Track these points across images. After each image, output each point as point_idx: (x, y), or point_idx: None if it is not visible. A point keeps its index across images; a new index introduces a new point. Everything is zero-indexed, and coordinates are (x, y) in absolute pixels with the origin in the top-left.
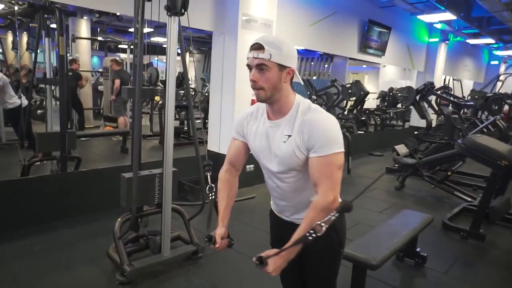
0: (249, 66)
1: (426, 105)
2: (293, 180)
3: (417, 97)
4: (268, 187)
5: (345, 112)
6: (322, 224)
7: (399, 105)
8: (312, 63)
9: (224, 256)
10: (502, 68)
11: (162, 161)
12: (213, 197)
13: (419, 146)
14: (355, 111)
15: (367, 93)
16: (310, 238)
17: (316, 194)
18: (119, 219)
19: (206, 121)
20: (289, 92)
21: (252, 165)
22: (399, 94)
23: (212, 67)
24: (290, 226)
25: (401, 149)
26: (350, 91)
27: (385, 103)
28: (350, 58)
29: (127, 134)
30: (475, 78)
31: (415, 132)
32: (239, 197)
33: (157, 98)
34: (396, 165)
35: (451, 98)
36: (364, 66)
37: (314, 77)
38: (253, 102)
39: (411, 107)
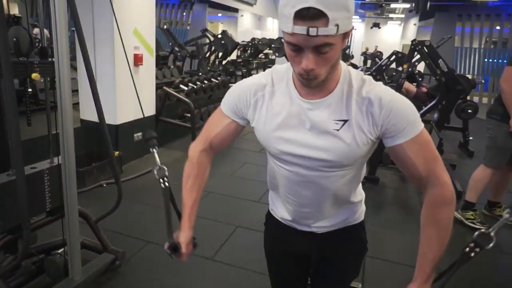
0: (296, 46)
1: None
2: (338, 180)
3: None
4: (279, 190)
5: (214, 64)
6: (492, 232)
7: (262, 56)
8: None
9: (145, 255)
10: None
11: (49, 150)
12: (167, 184)
13: None
14: (223, 63)
15: (237, 44)
16: (473, 254)
17: (426, 188)
18: None
19: None
20: (339, 60)
21: (139, 133)
22: (272, 46)
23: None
24: (309, 236)
25: None
26: (223, 42)
27: (246, 54)
28: (210, 6)
29: None
30: None
31: None
32: (133, 173)
33: (35, 76)
34: None
35: None
36: (220, 14)
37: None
38: (136, 59)
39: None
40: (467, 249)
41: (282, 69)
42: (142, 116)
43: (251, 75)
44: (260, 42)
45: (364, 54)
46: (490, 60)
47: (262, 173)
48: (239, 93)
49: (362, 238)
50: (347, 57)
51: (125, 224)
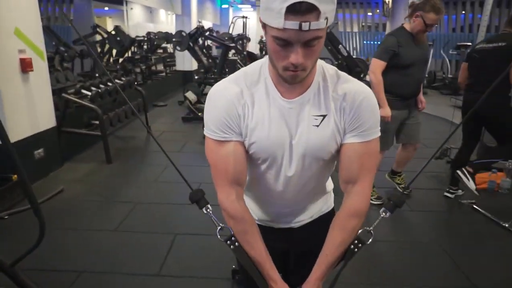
0: (286, 41)
1: (199, 49)
2: (317, 174)
3: (191, 42)
4: (258, 193)
5: (109, 64)
6: (371, 229)
7: (160, 50)
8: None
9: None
10: (231, 11)
11: None
12: (237, 244)
13: (201, 90)
14: (120, 61)
15: (134, 40)
16: (356, 250)
17: (350, 193)
18: None
19: None
20: None
21: (41, 149)
22: (174, 40)
23: None
24: (286, 232)
25: (191, 96)
26: (118, 38)
27: (143, 49)
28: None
29: None
30: (214, 20)
31: (196, 77)
32: (41, 196)
33: None
34: (200, 113)
35: (221, 41)
36: (106, 8)
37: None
38: (24, 64)
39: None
40: (352, 246)
41: (254, 70)
42: (40, 130)
43: (151, 71)
44: (156, 37)
45: (260, 42)
46: (367, 42)
47: (188, 173)
48: (225, 109)
49: None
50: (244, 47)
51: (47, 257)
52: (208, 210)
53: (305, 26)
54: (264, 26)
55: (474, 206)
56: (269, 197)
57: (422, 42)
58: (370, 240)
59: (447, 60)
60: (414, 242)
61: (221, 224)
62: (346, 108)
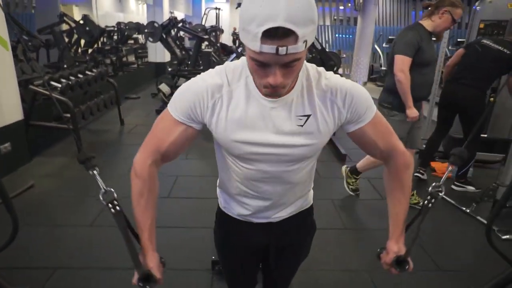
0: (263, 63)
1: (172, 40)
2: (299, 172)
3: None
4: (238, 188)
5: (77, 54)
6: (441, 184)
7: (131, 41)
8: None
9: (55, 285)
10: (203, 2)
11: None
12: (118, 209)
13: (175, 82)
14: (90, 52)
15: (104, 30)
16: (430, 205)
17: (390, 157)
18: None
19: None
20: None
21: (7, 143)
22: (146, 31)
23: None
24: (266, 227)
25: (164, 88)
26: (87, 28)
27: (113, 40)
28: None
29: None
30: (186, 11)
31: (169, 69)
32: (11, 192)
33: None
34: None
35: (194, 33)
36: None
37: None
38: None
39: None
40: (426, 201)
41: (237, 66)
42: (6, 123)
43: (122, 63)
44: (127, 27)
45: (233, 34)
46: (339, 35)
47: (163, 167)
48: (194, 97)
49: (313, 220)
50: (217, 39)
51: (18, 254)
52: (95, 171)
53: (282, 50)
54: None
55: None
56: (248, 193)
57: (439, 40)
58: (441, 195)
59: None
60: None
61: (105, 188)
62: (338, 104)
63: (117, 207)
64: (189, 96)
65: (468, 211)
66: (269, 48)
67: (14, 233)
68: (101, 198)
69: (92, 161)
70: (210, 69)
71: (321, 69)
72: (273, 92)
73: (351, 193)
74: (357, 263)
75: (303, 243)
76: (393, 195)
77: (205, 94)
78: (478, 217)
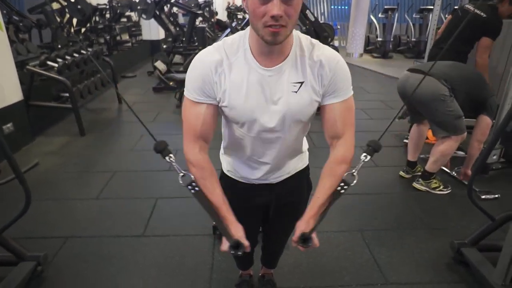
0: None
1: (165, 17)
2: (294, 135)
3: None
4: (243, 153)
5: (70, 34)
6: (355, 172)
7: (124, 19)
8: None
9: (67, 252)
10: None
11: None
12: (197, 189)
13: (170, 59)
14: (83, 31)
15: (96, 8)
16: (343, 191)
17: (336, 146)
18: None
19: None
20: None
21: (10, 124)
22: (139, 8)
23: None
24: (267, 187)
25: (160, 65)
26: (79, 7)
27: (105, 19)
28: None
29: None
30: None
31: (164, 46)
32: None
33: None
34: (171, 83)
35: (188, 8)
36: None
37: None
38: None
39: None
40: (338, 188)
41: (234, 40)
42: (7, 104)
43: (116, 41)
44: (119, 4)
45: (228, 8)
46: (334, 7)
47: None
48: (202, 76)
49: (309, 179)
50: (212, 14)
51: (32, 226)
52: (171, 159)
53: None
54: None
55: (353, 181)
56: (251, 157)
57: None
58: (354, 182)
59: (411, 24)
60: (375, 193)
61: (183, 171)
62: (323, 74)
63: (196, 188)
64: (197, 76)
65: (454, 174)
66: None
67: (27, 204)
68: (180, 181)
69: (167, 149)
70: (209, 47)
71: (315, 41)
72: (275, 31)
73: (446, 191)
74: (350, 224)
75: (301, 200)
76: (322, 181)
77: (209, 71)
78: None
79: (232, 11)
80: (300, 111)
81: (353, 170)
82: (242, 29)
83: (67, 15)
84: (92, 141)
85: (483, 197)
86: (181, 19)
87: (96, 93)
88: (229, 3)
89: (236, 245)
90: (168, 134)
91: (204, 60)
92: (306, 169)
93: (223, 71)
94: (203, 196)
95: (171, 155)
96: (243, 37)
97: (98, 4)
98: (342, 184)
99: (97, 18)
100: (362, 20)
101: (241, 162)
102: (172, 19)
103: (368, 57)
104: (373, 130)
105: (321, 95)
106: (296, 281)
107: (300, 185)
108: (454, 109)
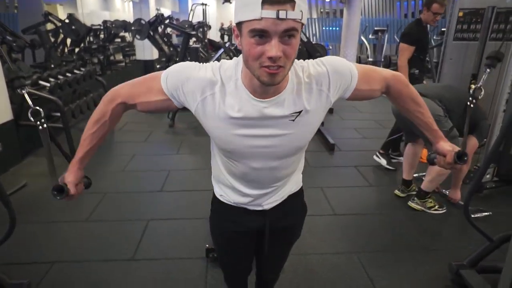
0: (263, 32)
1: (159, 37)
2: (294, 161)
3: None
4: (235, 181)
5: (63, 54)
6: (481, 86)
7: (117, 40)
8: None
9: (54, 277)
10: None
11: None
12: (45, 126)
13: None
14: (76, 51)
15: (90, 28)
16: (472, 106)
17: (389, 87)
18: None
19: None
20: None
21: None
22: (133, 28)
23: None
24: (260, 213)
25: None
26: (73, 27)
27: (99, 39)
28: None
29: None
30: (172, 7)
31: (157, 66)
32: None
33: None
34: None
35: (182, 29)
36: None
37: None
38: None
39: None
40: (468, 103)
41: (230, 66)
42: None
43: (110, 61)
44: (113, 25)
45: (221, 29)
46: (326, 28)
47: (155, 162)
48: (186, 85)
49: (303, 202)
50: (205, 35)
51: (16, 251)
52: (24, 91)
53: (283, 14)
54: (239, 29)
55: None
56: (246, 181)
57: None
58: (482, 94)
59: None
60: (370, 213)
61: (34, 107)
62: (325, 91)
63: (45, 125)
64: (183, 79)
65: (447, 192)
66: (269, 13)
67: (11, 228)
68: (30, 117)
69: (20, 80)
70: (211, 62)
71: (299, 61)
72: (272, 72)
73: (441, 211)
74: (347, 246)
75: (295, 224)
76: (411, 112)
77: (196, 88)
78: (459, 202)
79: (225, 32)
80: (298, 139)
81: (479, 84)
82: (236, 49)
83: (61, 35)
84: None
85: (473, 216)
86: (175, 40)
87: (88, 113)
88: (222, 24)
89: (60, 189)
90: (160, 155)
91: (199, 76)
92: (300, 191)
93: (213, 95)
94: (47, 134)
95: (25, 87)
96: (238, 65)
97: (93, 25)
98: (470, 98)
99: (91, 38)
100: (353, 41)
101: (231, 188)
102: (166, 40)
103: None
104: (367, 149)
105: (327, 108)
106: None
107: (295, 207)
108: (449, 129)
